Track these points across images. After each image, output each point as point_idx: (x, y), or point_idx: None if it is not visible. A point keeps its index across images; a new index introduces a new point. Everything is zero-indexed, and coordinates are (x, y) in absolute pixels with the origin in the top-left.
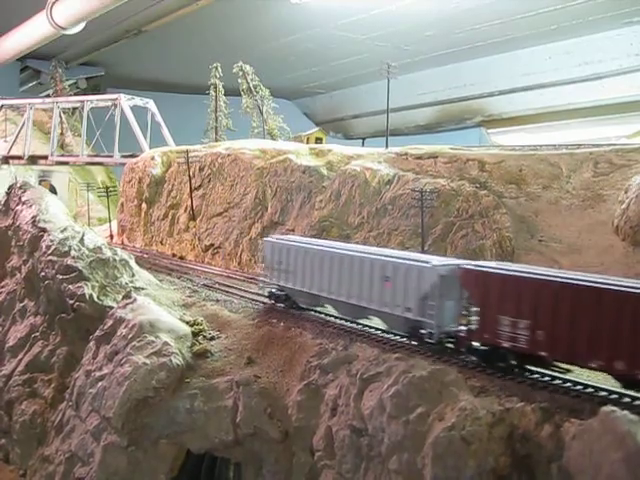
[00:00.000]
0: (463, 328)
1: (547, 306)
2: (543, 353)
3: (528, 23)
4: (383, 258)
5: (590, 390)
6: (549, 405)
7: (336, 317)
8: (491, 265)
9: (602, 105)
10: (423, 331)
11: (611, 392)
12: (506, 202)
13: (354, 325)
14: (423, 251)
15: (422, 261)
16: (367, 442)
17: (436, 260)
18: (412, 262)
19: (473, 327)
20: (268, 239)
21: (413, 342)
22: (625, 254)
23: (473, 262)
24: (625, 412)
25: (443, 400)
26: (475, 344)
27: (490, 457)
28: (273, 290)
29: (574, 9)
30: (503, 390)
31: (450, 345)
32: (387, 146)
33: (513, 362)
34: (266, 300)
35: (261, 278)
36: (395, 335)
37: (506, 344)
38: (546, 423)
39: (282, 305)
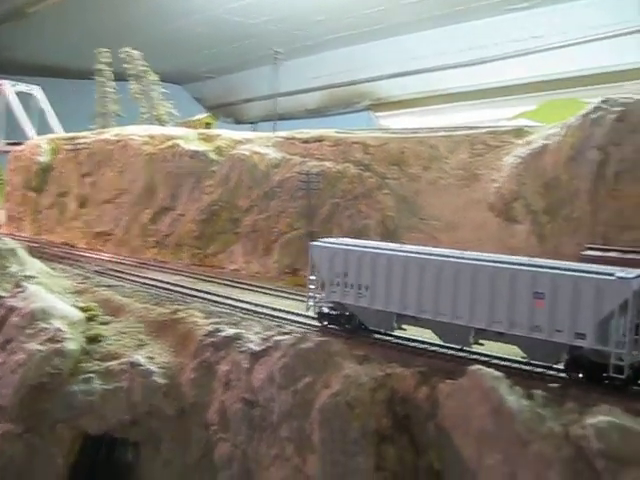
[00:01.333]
0: None
1: None
2: None
3: (414, 9)
4: (533, 269)
5: (463, 354)
6: (426, 369)
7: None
8: None
9: (486, 89)
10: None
11: (484, 355)
12: (389, 183)
13: (245, 304)
14: (311, 232)
15: (599, 272)
16: (259, 413)
17: (620, 271)
18: (584, 274)
19: None
20: (320, 244)
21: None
22: (499, 230)
23: None
24: (490, 369)
25: (328, 369)
26: None
27: (372, 419)
28: (324, 309)
29: None
30: (385, 358)
31: None
32: (275, 131)
33: None
34: (310, 321)
35: (311, 293)
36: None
37: None
38: (423, 385)
39: (338, 328)
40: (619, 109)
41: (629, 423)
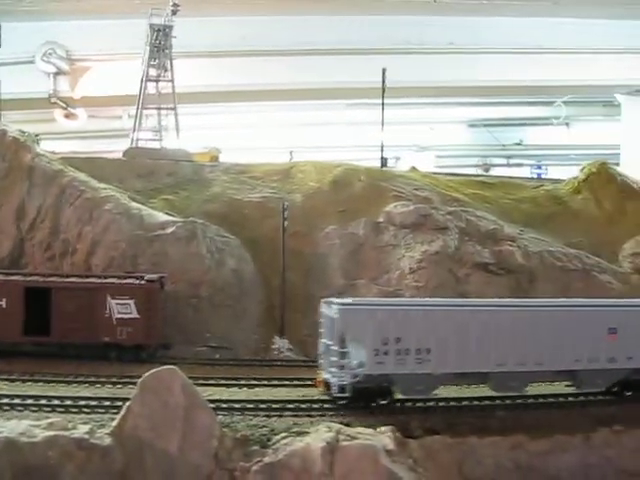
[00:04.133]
0: None
1: None
2: None
3: None
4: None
5: None
6: None
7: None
8: None
9: None
10: None
11: None
12: None
13: None
14: None
15: None
16: None
17: None
18: None
19: None
20: (355, 307)
21: None
22: None
23: None
24: None
25: None
26: None
27: None
28: (344, 382)
29: None
30: None
31: None
32: None
33: None
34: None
35: (333, 369)
36: None
37: None
38: None
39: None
40: None
41: None
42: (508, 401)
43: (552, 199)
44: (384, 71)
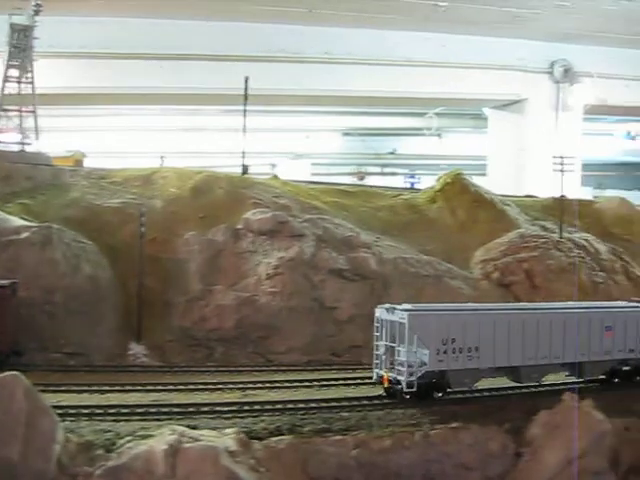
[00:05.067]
0: None
1: None
2: None
3: None
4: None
5: None
6: None
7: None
8: None
9: None
10: None
11: None
12: None
13: None
14: None
15: None
16: None
17: None
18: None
19: None
20: (424, 313)
21: None
22: None
23: None
24: None
25: None
26: None
27: None
28: (412, 378)
29: None
30: None
31: None
32: None
33: None
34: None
35: (402, 368)
36: None
37: None
38: None
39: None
40: None
41: None
42: (355, 402)
43: (409, 208)
44: (247, 79)
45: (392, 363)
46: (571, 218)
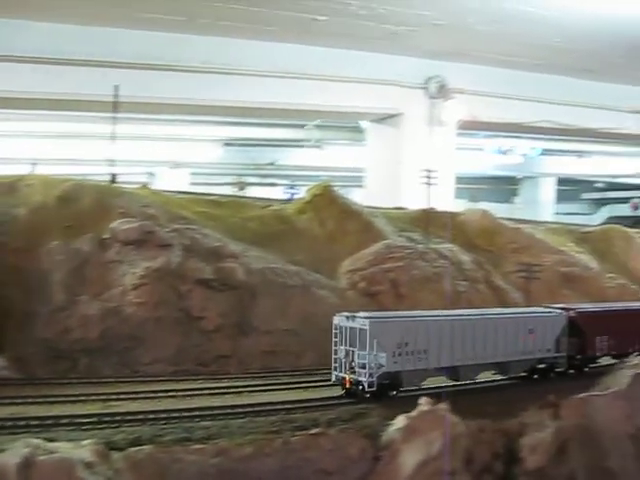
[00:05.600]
0: None
1: None
2: None
3: None
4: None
5: None
6: None
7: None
8: None
9: None
10: None
11: None
12: None
13: None
14: None
15: None
16: None
17: None
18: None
19: None
20: (380, 320)
21: None
22: None
23: None
24: None
25: None
26: None
27: None
28: (372, 379)
29: None
30: None
31: None
32: None
33: None
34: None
35: (364, 370)
36: None
37: None
38: None
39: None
40: None
41: None
42: (217, 411)
43: (278, 218)
44: (117, 87)
45: (352, 366)
46: (438, 229)
